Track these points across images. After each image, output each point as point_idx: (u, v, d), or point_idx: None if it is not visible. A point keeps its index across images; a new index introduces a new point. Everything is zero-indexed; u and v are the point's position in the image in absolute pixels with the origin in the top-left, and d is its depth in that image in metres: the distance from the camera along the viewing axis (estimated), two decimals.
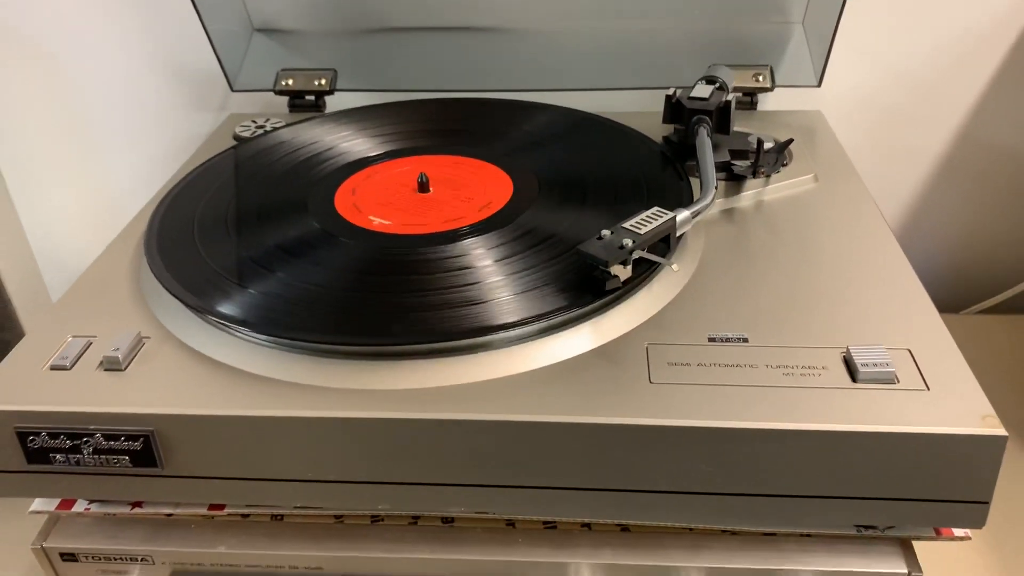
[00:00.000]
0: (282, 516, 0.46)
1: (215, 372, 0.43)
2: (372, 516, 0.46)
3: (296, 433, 0.41)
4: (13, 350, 0.44)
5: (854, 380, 0.41)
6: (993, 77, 0.75)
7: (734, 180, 0.57)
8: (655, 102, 0.63)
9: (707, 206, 0.49)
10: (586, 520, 0.46)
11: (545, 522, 0.46)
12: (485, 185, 0.56)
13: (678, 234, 0.47)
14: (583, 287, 0.45)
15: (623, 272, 0.44)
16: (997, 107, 0.77)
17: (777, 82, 0.69)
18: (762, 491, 0.40)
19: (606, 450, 0.40)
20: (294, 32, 0.74)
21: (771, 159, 0.57)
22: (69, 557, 0.46)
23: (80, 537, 0.46)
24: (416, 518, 0.46)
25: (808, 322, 0.45)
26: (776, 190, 0.57)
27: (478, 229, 0.51)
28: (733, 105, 0.58)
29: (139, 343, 0.44)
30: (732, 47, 0.70)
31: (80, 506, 0.45)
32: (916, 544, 0.44)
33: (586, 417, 0.39)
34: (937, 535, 0.43)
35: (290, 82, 0.72)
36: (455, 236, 0.50)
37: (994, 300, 0.80)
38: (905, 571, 0.43)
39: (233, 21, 0.73)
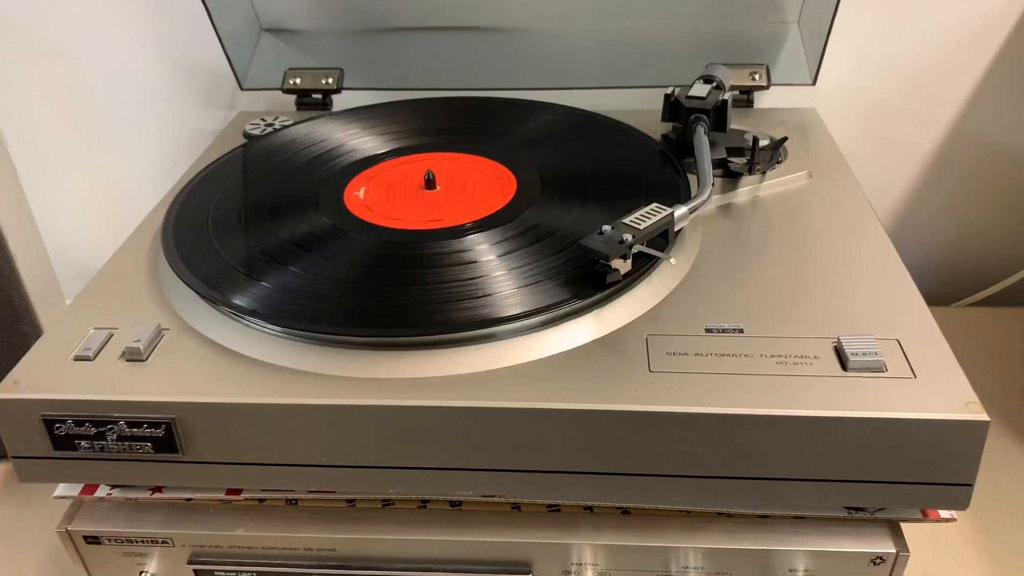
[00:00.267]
0: (296, 500, 0.47)
1: (232, 362, 0.44)
2: (383, 500, 0.47)
3: (310, 420, 0.42)
4: (38, 341, 0.46)
5: (845, 369, 0.42)
6: (984, 74, 0.76)
7: (730, 177, 0.58)
8: (654, 100, 0.64)
9: (704, 202, 0.50)
10: (588, 503, 0.46)
11: (549, 505, 0.47)
12: (490, 182, 0.57)
13: (676, 229, 0.48)
14: (585, 280, 0.46)
15: (623, 266, 0.45)
16: (988, 103, 0.77)
17: (773, 80, 0.70)
18: (757, 475, 0.41)
19: (607, 436, 0.41)
20: (301, 32, 0.75)
21: (766, 156, 0.58)
22: (93, 540, 0.47)
23: (103, 521, 0.47)
24: (425, 502, 0.47)
25: (801, 313, 0.46)
26: (771, 186, 0.58)
27: (484, 225, 0.52)
28: (730, 104, 0.59)
29: (159, 334, 0.45)
30: (729, 46, 0.71)
31: (102, 491, 0.46)
32: (904, 526, 0.45)
33: (588, 404, 0.40)
34: (924, 517, 0.44)
35: (298, 81, 0.73)
36: (462, 232, 0.51)
37: (985, 293, 0.81)
38: (893, 551, 0.44)
39: (242, 21, 0.73)
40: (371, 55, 0.75)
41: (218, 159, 0.63)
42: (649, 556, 0.46)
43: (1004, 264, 0.84)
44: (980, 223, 0.84)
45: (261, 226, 0.54)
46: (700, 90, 0.60)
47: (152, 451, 0.43)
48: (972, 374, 0.70)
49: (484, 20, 0.73)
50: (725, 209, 0.56)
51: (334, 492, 0.46)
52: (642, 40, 0.72)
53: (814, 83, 0.70)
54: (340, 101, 0.75)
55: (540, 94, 0.71)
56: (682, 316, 0.46)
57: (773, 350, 0.43)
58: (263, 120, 0.70)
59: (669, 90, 0.61)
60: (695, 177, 0.55)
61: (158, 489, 0.47)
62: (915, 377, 0.41)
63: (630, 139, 0.62)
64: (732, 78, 0.65)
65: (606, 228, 0.46)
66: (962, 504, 0.42)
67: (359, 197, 0.56)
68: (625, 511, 0.47)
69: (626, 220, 0.46)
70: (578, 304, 0.45)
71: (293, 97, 0.75)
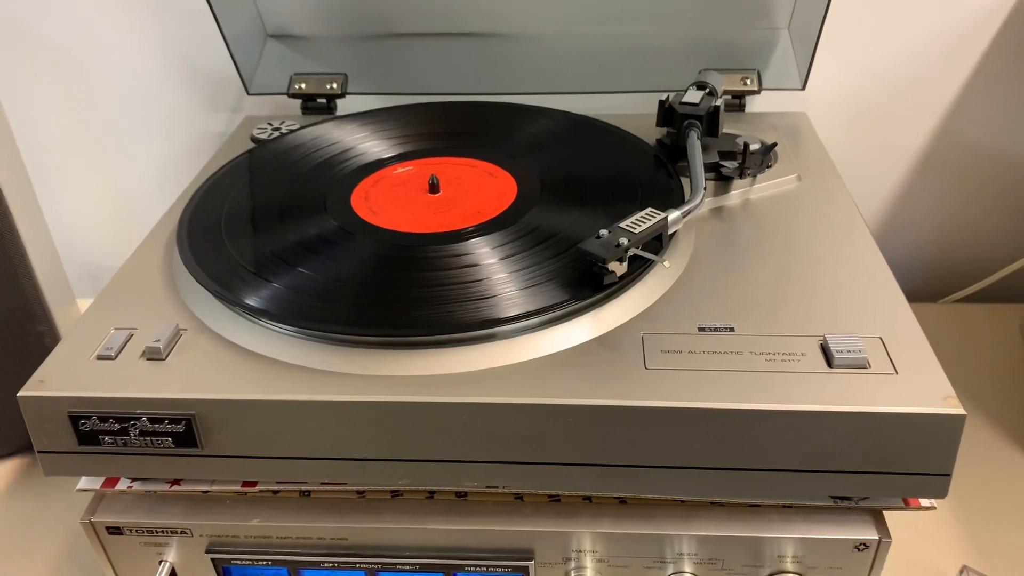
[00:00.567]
0: (309, 492, 0.48)
1: (248, 360, 0.45)
2: (392, 491, 0.48)
3: (323, 416, 0.43)
4: (61, 341, 0.47)
5: (830, 365, 0.43)
6: (969, 78, 0.77)
7: (723, 180, 0.59)
8: (648, 104, 0.65)
9: (696, 206, 0.51)
10: (587, 494, 0.48)
11: (550, 495, 0.48)
12: (491, 186, 0.58)
13: (670, 232, 0.49)
14: (583, 282, 0.47)
15: (620, 268, 0.46)
16: (973, 106, 0.78)
17: (764, 85, 0.71)
18: (747, 466, 0.43)
19: (605, 430, 0.42)
20: (306, 38, 0.76)
21: (757, 160, 0.59)
22: (115, 531, 0.48)
23: (124, 512, 0.48)
24: (432, 493, 0.48)
25: (789, 312, 0.47)
26: (762, 189, 0.59)
27: (486, 228, 0.53)
28: (722, 110, 0.60)
29: (177, 334, 0.47)
30: (722, 52, 0.72)
31: (123, 484, 0.48)
32: (887, 513, 0.46)
33: (587, 400, 0.41)
34: (906, 505, 0.45)
35: (303, 86, 0.75)
36: (465, 235, 0.53)
37: (970, 289, 0.82)
38: (876, 538, 0.45)
39: (248, 27, 0.74)
40: (374, 60, 0.76)
41: (228, 163, 0.64)
42: (645, 543, 0.47)
43: (989, 261, 0.85)
44: (966, 222, 0.85)
45: (272, 229, 0.55)
46: (693, 96, 0.61)
47: (173, 445, 0.44)
48: (957, 367, 0.73)
49: (484, 26, 0.74)
50: (717, 212, 0.57)
51: (345, 484, 0.48)
52: (637, 45, 0.73)
53: (804, 88, 0.71)
54: (344, 105, 0.76)
55: (538, 98, 0.72)
56: (676, 316, 0.47)
57: (762, 348, 0.44)
58: (270, 124, 0.71)
59: (663, 96, 0.62)
60: (688, 181, 0.56)
61: (176, 482, 0.48)
62: (896, 373, 0.42)
63: (626, 143, 0.64)
64: (724, 83, 0.66)
65: (603, 232, 0.47)
66: (941, 493, 0.43)
67: (366, 201, 0.57)
68: (622, 501, 0.48)
69: (622, 224, 0.48)
70: (576, 305, 0.46)
71: (298, 101, 0.76)
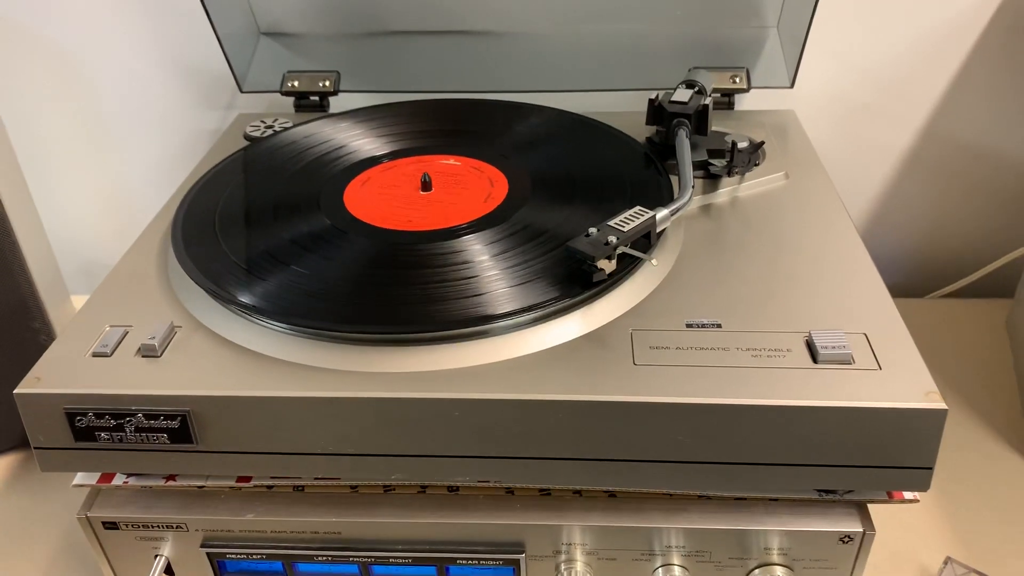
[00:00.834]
0: (303, 487, 0.48)
1: (242, 357, 0.46)
2: (385, 486, 0.49)
3: (316, 412, 0.44)
4: (57, 339, 0.48)
5: (815, 361, 0.44)
6: (955, 76, 0.78)
7: (711, 178, 0.60)
8: (638, 102, 0.65)
9: (685, 204, 0.52)
10: (577, 487, 0.48)
11: (541, 489, 0.48)
12: (482, 184, 0.59)
13: (658, 230, 0.50)
14: (573, 279, 0.47)
15: (608, 266, 0.46)
16: (959, 104, 0.79)
17: (753, 83, 0.72)
18: (734, 460, 0.43)
19: (595, 425, 0.43)
20: (299, 35, 0.76)
21: (744, 159, 0.59)
22: (111, 525, 0.49)
23: (120, 507, 0.49)
24: (424, 487, 0.49)
25: (775, 309, 0.48)
26: (750, 187, 0.60)
27: (477, 226, 0.54)
28: (711, 108, 0.61)
29: (172, 332, 0.47)
30: (711, 50, 0.73)
31: (119, 480, 0.48)
32: (871, 506, 0.47)
33: (577, 395, 0.42)
34: (889, 498, 0.46)
35: (296, 83, 0.75)
36: (457, 232, 0.53)
37: (955, 285, 0.83)
38: (860, 530, 0.46)
39: (241, 25, 0.75)
40: (367, 58, 0.76)
41: (222, 161, 0.64)
42: (634, 536, 0.48)
43: (974, 257, 0.86)
44: (951, 218, 0.86)
45: (266, 227, 0.55)
46: (682, 95, 0.61)
47: (168, 441, 0.45)
48: (942, 362, 0.74)
49: (476, 24, 0.74)
50: (706, 209, 0.58)
51: (339, 479, 0.48)
52: (627, 44, 0.74)
53: (792, 86, 0.71)
54: (337, 103, 0.76)
55: (529, 96, 0.72)
56: (664, 312, 0.48)
57: (749, 344, 0.45)
58: (263, 122, 0.72)
59: (653, 95, 0.62)
60: (677, 178, 0.56)
61: (172, 477, 0.48)
62: (880, 369, 0.43)
63: (616, 142, 0.64)
64: (713, 81, 0.66)
65: (592, 231, 0.48)
66: (923, 486, 0.44)
67: (359, 199, 0.58)
68: (612, 494, 0.48)
69: (611, 223, 0.48)
70: (567, 302, 0.46)
71: (291, 99, 0.76)
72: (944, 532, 0.59)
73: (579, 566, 0.49)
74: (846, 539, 0.47)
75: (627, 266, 0.48)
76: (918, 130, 0.81)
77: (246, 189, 0.60)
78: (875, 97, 0.80)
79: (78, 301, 0.74)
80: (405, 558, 0.49)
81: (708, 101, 0.61)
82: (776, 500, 0.48)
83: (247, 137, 0.70)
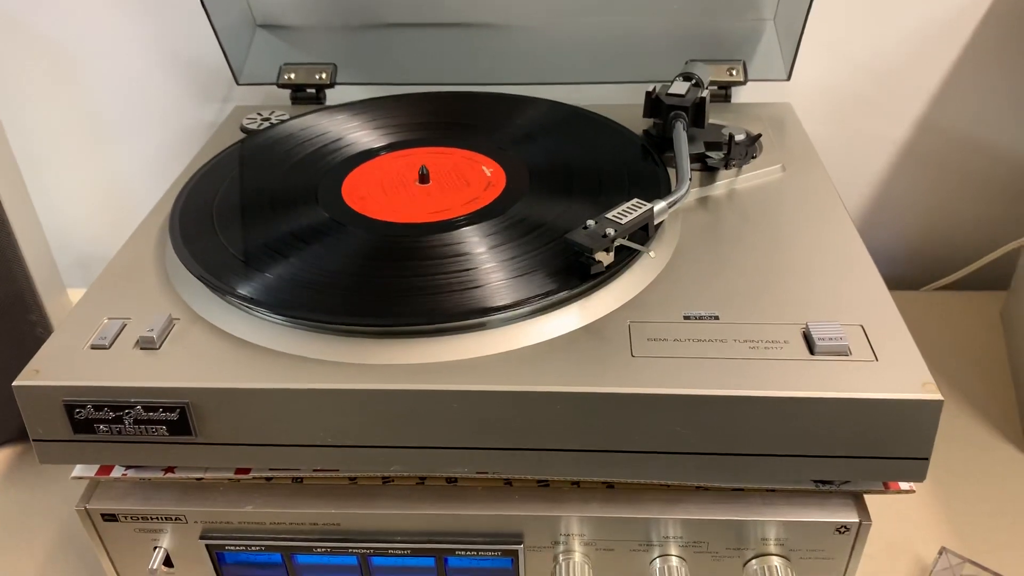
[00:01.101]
0: (302, 478, 0.49)
1: (241, 349, 0.46)
2: (383, 477, 0.49)
3: (315, 404, 0.44)
4: (55, 331, 0.48)
5: (812, 352, 0.44)
6: (950, 69, 0.78)
7: (708, 171, 0.60)
8: (636, 94, 0.65)
9: (682, 196, 0.52)
10: (575, 479, 0.48)
11: (539, 480, 0.49)
12: (480, 176, 0.59)
13: (656, 223, 0.50)
14: (571, 272, 0.47)
15: (606, 258, 0.46)
16: (954, 97, 0.79)
17: (750, 76, 0.72)
18: (731, 451, 0.44)
19: (593, 416, 0.43)
20: (295, 28, 0.76)
21: (742, 151, 0.59)
22: (110, 517, 0.49)
23: (119, 500, 0.49)
24: (423, 478, 0.49)
25: (772, 301, 0.48)
26: (747, 179, 0.60)
27: (475, 218, 0.54)
28: (708, 101, 0.61)
29: (170, 324, 0.47)
30: (708, 43, 0.73)
31: (117, 472, 0.48)
32: (867, 497, 0.47)
33: (575, 387, 0.42)
34: (885, 489, 0.46)
35: (292, 76, 0.75)
36: (455, 225, 0.53)
37: (951, 277, 0.83)
38: (857, 520, 0.46)
39: (237, 17, 0.75)
40: (363, 51, 0.76)
41: (219, 154, 0.64)
42: (632, 527, 0.48)
43: (970, 250, 0.86)
44: (947, 211, 0.86)
45: (263, 219, 0.55)
46: (680, 88, 0.61)
47: (167, 434, 0.45)
48: (938, 353, 0.74)
49: (473, 16, 0.74)
50: (703, 202, 0.58)
51: (337, 470, 0.48)
52: (625, 36, 0.74)
53: (789, 78, 0.71)
54: (333, 95, 0.76)
55: (527, 89, 0.72)
56: (662, 304, 0.48)
57: (746, 335, 0.45)
58: (259, 115, 0.71)
59: (650, 88, 0.62)
60: (675, 171, 0.56)
61: (170, 469, 0.49)
62: (877, 360, 0.43)
63: (614, 134, 0.64)
64: (711, 74, 0.66)
65: (590, 223, 0.48)
66: (919, 476, 0.44)
67: (357, 191, 0.58)
68: (610, 485, 0.49)
69: (609, 215, 0.48)
70: (565, 294, 0.47)
71: (287, 91, 0.76)
72: (939, 523, 0.59)
73: (577, 557, 0.49)
74: (842, 529, 0.47)
75: (625, 258, 0.49)
76: (914, 123, 0.81)
77: (244, 182, 0.60)
78: (871, 90, 0.80)
79: (74, 294, 0.74)
80: (404, 549, 0.49)
81: (705, 94, 0.61)
82: (773, 491, 0.48)
83: (244, 130, 0.70)
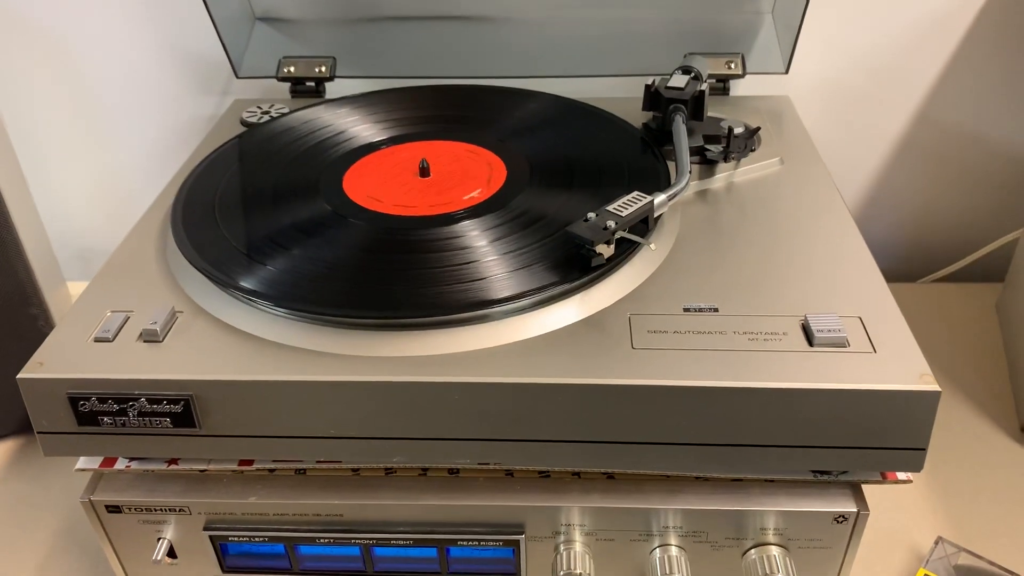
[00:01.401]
0: (305, 470, 0.49)
1: (244, 342, 0.46)
2: (386, 468, 0.49)
3: (318, 396, 0.44)
4: (59, 324, 0.48)
5: (811, 344, 0.44)
6: (947, 62, 0.78)
7: (707, 164, 0.60)
8: (635, 87, 0.66)
9: (682, 189, 0.52)
10: (576, 469, 0.49)
11: (540, 471, 0.49)
12: (481, 169, 0.59)
13: (656, 215, 0.50)
14: (572, 264, 0.48)
15: (607, 251, 0.47)
16: (951, 90, 0.80)
17: (748, 69, 0.72)
18: (730, 442, 0.44)
19: (593, 408, 0.43)
20: (294, 20, 0.76)
21: (740, 144, 0.60)
22: (114, 509, 0.49)
23: (123, 491, 0.49)
24: (425, 470, 0.49)
25: (771, 293, 0.48)
26: (745, 172, 0.60)
27: (476, 212, 0.54)
28: (707, 94, 0.61)
29: (173, 317, 0.47)
30: (707, 36, 0.73)
31: (121, 464, 0.49)
32: (865, 487, 0.48)
33: (576, 379, 0.42)
34: (883, 479, 0.47)
35: (291, 69, 0.75)
36: (455, 218, 0.53)
37: (948, 270, 0.84)
38: (855, 510, 0.46)
39: (236, 10, 0.74)
40: (362, 44, 0.76)
41: (220, 147, 0.64)
42: (632, 517, 0.48)
43: (966, 242, 0.87)
44: (944, 203, 0.86)
45: (265, 212, 0.55)
46: (679, 81, 0.61)
47: (171, 426, 0.45)
48: (935, 345, 0.74)
49: (472, 9, 0.74)
50: (702, 195, 0.58)
51: (340, 462, 0.48)
52: (624, 29, 0.74)
53: (787, 71, 0.71)
54: (332, 89, 0.76)
55: (527, 82, 0.72)
56: (662, 296, 0.48)
57: (745, 327, 0.45)
58: (259, 108, 0.72)
59: (649, 81, 0.62)
60: (674, 164, 0.57)
61: (174, 461, 0.49)
62: (875, 352, 0.44)
63: (613, 127, 0.64)
64: (709, 67, 0.67)
65: (591, 215, 0.48)
66: (916, 467, 0.44)
67: (358, 184, 0.58)
68: (610, 476, 0.49)
69: (609, 208, 0.49)
70: (566, 287, 0.47)
71: (286, 84, 0.76)
72: (935, 512, 0.60)
73: (578, 547, 0.49)
74: (841, 519, 0.47)
75: (625, 251, 0.49)
76: (911, 116, 0.82)
77: (245, 175, 0.60)
78: (869, 83, 0.80)
79: (73, 287, 0.74)
80: (406, 540, 0.49)
81: (704, 87, 0.61)
82: (772, 481, 0.48)
83: (244, 123, 0.70)
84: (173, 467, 0.49)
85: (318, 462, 0.49)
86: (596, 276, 0.48)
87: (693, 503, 0.48)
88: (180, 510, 0.49)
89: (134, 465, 0.49)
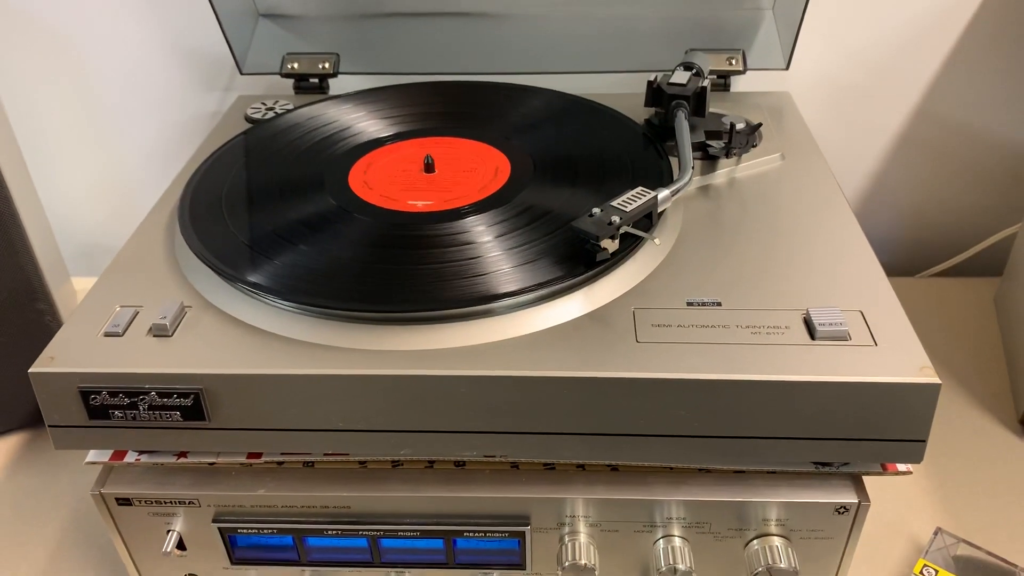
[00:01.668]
0: (313, 463, 0.49)
1: (252, 336, 0.46)
2: (393, 461, 0.49)
3: (326, 389, 0.44)
4: (68, 319, 0.48)
5: (813, 338, 0.44)
6: (947, 58, 0.78)
7: (709, 159, 0.60)
8: (637, 83, 0.66)
9: (685, 185, 0.53)
10: (581, 462, 0.49)
11: (545, 464, 0.49)
12: (485, 165, 0.59)
13: (659, 210, 0.51)
14: (576, 259, 0.48)
15: (611, 245, 0.47)
16: (951, 85, 0.80)
17: (749, 65, 0.72)
18: (733, 434, 0.44)
19: (598, 401, 0.44)
20: (298, 17, 0.76)
21: (742, 140, 0.60)
22: (124, 502, 0.50)
23: (133, 484, 0.49)
24: (432, 462, 0.49)
25: (773, 287, 0.48)
26: (747, 168, 0.60)
27: (481, 207, 0.54)
28: (708, 90, 0.61)
29: (182, 311, 0.48)
30: (708, 32, 0.73)
31: (131, 457, 0.49)
32: (865, 478, 0.48)
33: (581, 372, 0.43)
34: (884, 470, 0.47)
35: (295, 66, 0.75)
36: (460, 214, 0.54)
37: (947, 264, 0.84)
38: (856, 501, 0.47)
39: (241, 6, 0.75)
40: (366, 41, 0.76)
41: (227, 143, 0.64)
42: (636, 508, 0.49)
43: (965, 236, 0.87)
44: (943, 198, 0.87)
45: (272, 208, 0.56)
46: (680, 77, 0.62)
47: (181, 419, 0.45)
48: (934, 338, 0.75)
49: (474, 6, 0.75)
50: (704, 190, 0.58)
51: (348, 454, 0.49)
52: (626, 26, 0.74)
53: (787, 67, 0.72)
54: (336, 85, 0.76)
55: (530, 78, 0.73)
56: (665, 291, 0.48)
57: (748, 321, 0.46)
58: (264, 104, 0.72)
59: (651, 77, 0.63)
60: (676, 159, 0.57)
61: (183, 454, 0.49)
62: (876, 345, 0.44)
63: (616, 123, 0.65)
64: (710, 63, 0.67)
65: (595, 211, 0.48)
66: (916, 458, 0.45)
67: (363, 180, 0.58)
68: (614, 468, 0.49)
69: (613, 203, 0.49)
70: (570, 281, 0.47)
71: (290, 81, 0.76)
72: (934, 503, 0.60)
73: (582, 538, 0.50)
74: (842, 510, 0.48)
75: (628, 246, 0.49)
76: (911, 111, 0.82)
77: (252, 170, 0.61)
78: (869, 79, 0.80)
79: (77, 283, 0.74)
80: (413, 531, 0.50)
81: (706, 83, 0.62)
82: (774, 473, 0.49)
83: (248, 119, 0.70)
84: (182, 460, 0.49)
85: (326, 455, 0.49)
86: (600, 271, 0.48)
87: (696, 495, 0.48)
88: (189, 503, 0.50)
89: (144, 458, 0.49)
